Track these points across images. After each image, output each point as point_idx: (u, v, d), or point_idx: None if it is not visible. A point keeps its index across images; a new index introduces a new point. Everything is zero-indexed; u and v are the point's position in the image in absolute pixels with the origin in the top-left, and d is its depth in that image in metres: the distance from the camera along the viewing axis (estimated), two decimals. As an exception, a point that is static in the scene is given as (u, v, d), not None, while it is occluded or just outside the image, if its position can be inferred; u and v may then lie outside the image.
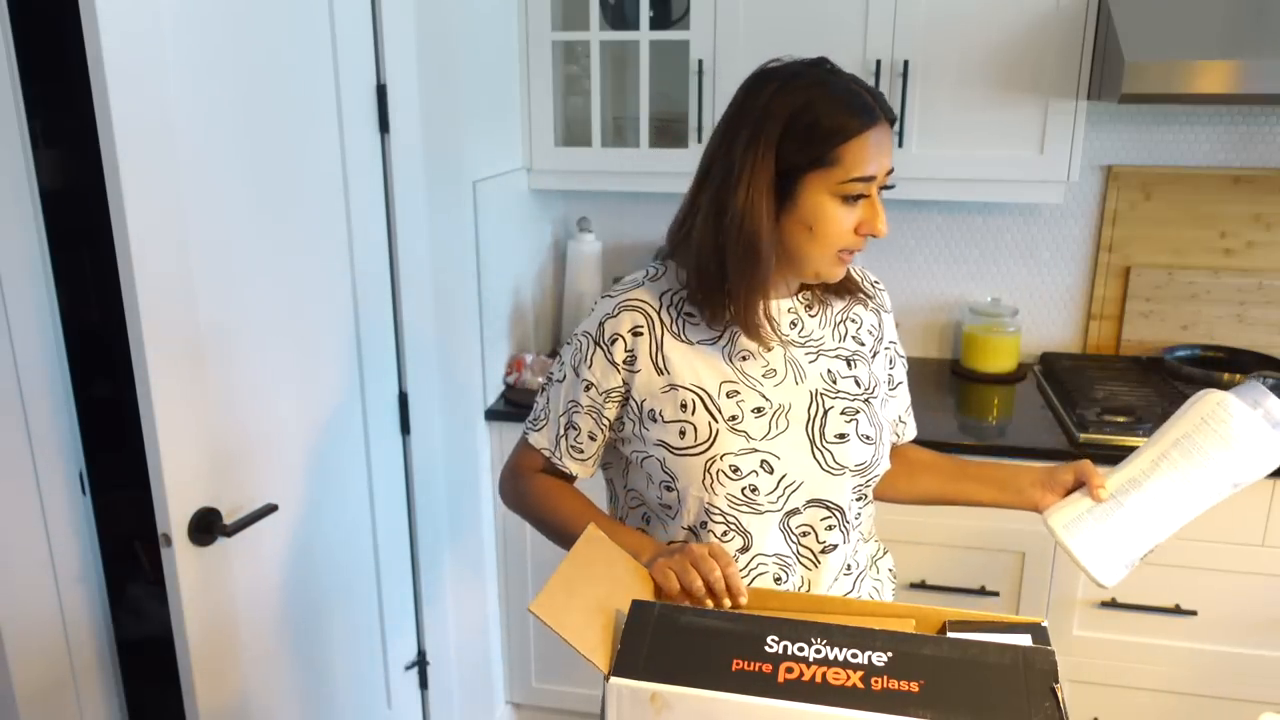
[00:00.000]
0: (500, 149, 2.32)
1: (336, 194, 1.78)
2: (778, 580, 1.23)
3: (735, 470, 1.18)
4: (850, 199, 1.13)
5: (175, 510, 1.42)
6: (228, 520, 1.52)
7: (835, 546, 1.24)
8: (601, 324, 1.23)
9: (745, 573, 1.22)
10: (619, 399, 1.24)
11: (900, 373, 1.38)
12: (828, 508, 1.23)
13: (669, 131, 2.43)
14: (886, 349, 1.34)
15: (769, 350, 1.22)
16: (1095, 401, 2.18)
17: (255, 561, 1.63)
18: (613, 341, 1.22)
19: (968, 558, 2.15)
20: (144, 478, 1.40)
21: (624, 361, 1.22)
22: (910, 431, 1.43)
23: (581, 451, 1.30)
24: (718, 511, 1.20)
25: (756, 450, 1.19)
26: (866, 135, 1.11)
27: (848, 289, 1.29)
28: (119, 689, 1.58)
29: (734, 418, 1.19)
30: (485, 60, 2.19)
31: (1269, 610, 2.06)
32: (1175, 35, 1.99)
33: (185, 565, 1.45)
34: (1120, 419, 2.12)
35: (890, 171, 1.16)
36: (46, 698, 1.46)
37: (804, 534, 1.23)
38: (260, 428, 1.61)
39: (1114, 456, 2.05)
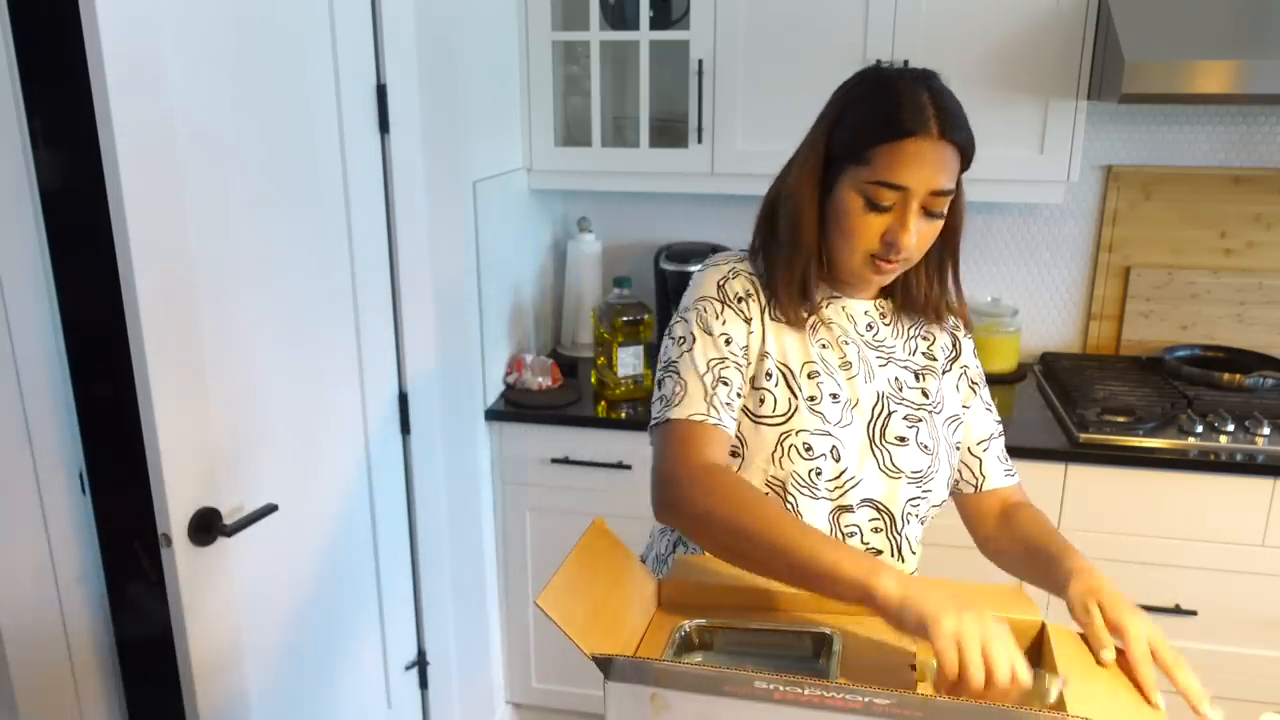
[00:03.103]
0: (500, 149, 2.32)
1: (336, 194, 1.78)
2: None
3: (808, 449, 1.17)
4: (876, 204, 1.11)
5: (175, 510, 1.42)
6: (228, 520, 1.52)
7: (880, 553, 1.22)
8: (721, 285, 1.21)
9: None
10: (748, 358, 1.20)
11: (966, 394, 1.32)
12: (878, 509, 1.20)
13: (669, 131, 2.42)
14: (960, 371, 1.32)
15: (844, 344, 1.23)
16: (1095, 401, 2.18)
17: (255, 561, 1.62)
18: (739, 299, 1.20)
19: (968, 557, 2.15)
20: (144, 478, 1.40)
21: (748, 318, 1.20)
22: (996, 478, 1.32)
23: (733, 409, 1.18)
24: (779, 487, 1.17)
25: (830, 434, 1.18)
26: (904, 144, 1.08)
27: (917, 308, 1.27)
28: (119, 689, 1.58)
29: (812, 398, 1.18)
30: (485, 60, 2.19)
31: (1269, 610, 2.06)
32: (1175, 35, 1.99)
33: (185, 565, 1.45)
34: (1120, 419, 2.12)
35: (942, 194, 1.11)
36: (46, 698, 1.46)
37: (850, 534, 1.20)
38: (260, 428, 1.61)
39: (1114, 456, 2.08)
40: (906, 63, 2.18)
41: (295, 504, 1.72)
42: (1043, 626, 1.03)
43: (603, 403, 2.32)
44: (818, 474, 1.17)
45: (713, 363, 1.17)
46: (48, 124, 1.71)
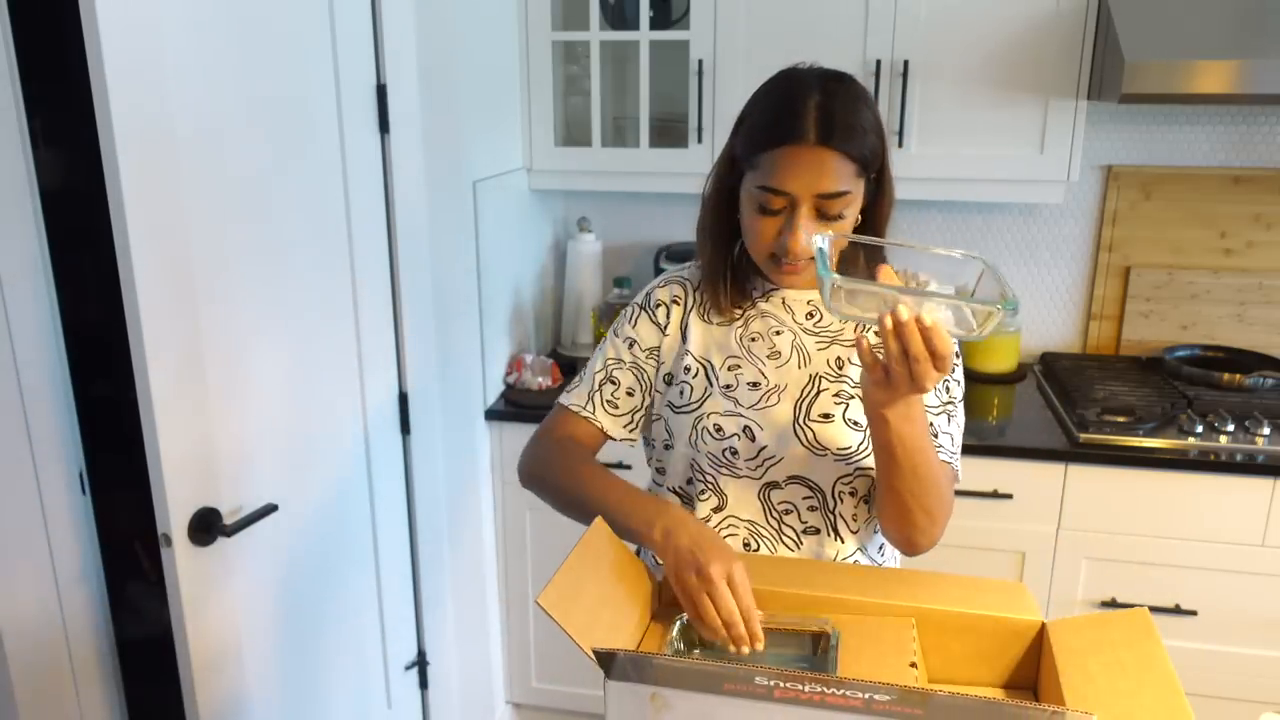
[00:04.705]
0: (500, 149, 2.32)
1: (336, 194, 1.78)
2: (746, 546, 1.27)
3: (719, 430, 1.24)
4: (766, 208, 1.14)
5: (175, 510, 1.42)
6: (228, 520, 1.52)
7: (818, 531, 1.26)
8: (649, 293, 1.34)
9: (715, 530, 1.25)
10: (657, 360, 1.31)
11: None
12: (810, 487, 1.25)
13: (669, 131, 2.43)
14: None
15: (769, 329, 1.27)
16: (1095, 401, 2.18)
17: (255, 561, 1.63)
18: (656, 306, 1.32)
19: (968, 558, 2.15)
20: (144, 478, 1.40)
21: (662, 324, 1.31)
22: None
23: (617, 407, 1.32)
24: (699, 469, 1.27)
25: (741, 415, 1.24)
26: (782, 150, 1.11)
27: None
28: (119, 689, 1.58)
29: (728, 386, 1.25)
30: (485, 60, 2.19)
31: (1269, 610, 2.06)
32: (1175, 35, 1.99)
33: (185, 565, 1.45)
34: (1120, 419, 2.12)
35: (830, 198, 1.11)
36: (46, 698, 1.46)
37: (786, 511, 1.26)
38: (260, 428, 1.61)
39: (1114, 456, 2.08)
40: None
41: (295, 504, 1.72)
42: (1042, 626, 1.03)
43: (603, 403, 2.32)
44: (733, 453, 1.24)
45: (609, 363, 1.32)
46: (48, 124, 1.71)
